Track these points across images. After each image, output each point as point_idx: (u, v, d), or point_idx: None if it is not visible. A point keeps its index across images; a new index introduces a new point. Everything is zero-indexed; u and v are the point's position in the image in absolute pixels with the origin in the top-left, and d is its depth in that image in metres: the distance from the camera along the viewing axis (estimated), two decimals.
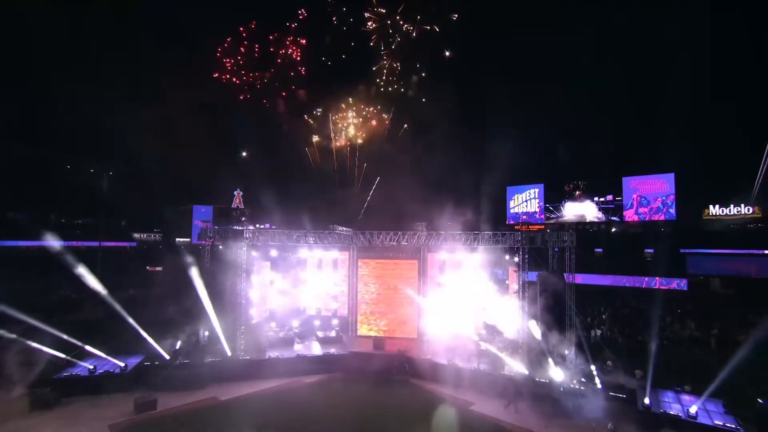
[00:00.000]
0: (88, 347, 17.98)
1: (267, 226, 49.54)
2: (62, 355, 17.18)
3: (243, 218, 55.64)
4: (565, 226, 41.34)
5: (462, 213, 35.77)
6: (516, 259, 20.25)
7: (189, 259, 20.77)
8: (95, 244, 43.69)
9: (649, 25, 39.90)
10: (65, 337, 17.64)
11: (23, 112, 43.81)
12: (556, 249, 20.34)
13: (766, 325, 19.51)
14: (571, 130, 43.17)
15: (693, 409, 14.10)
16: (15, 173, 46.00)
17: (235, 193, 57.14)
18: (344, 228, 29.19)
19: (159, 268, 41.34)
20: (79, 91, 41.73)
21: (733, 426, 13.36)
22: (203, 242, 55.65)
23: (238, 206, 57.18)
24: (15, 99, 41.74)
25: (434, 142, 42.95)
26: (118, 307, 18.83)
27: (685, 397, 15.38)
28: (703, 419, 13.80)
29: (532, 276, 20.57)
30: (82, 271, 19.37)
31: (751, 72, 36.27)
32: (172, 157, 42.77)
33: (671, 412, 14.26)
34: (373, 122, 45.17)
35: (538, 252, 20.82)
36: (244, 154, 54.62)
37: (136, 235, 58.57)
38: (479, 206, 38.15)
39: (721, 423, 13.58)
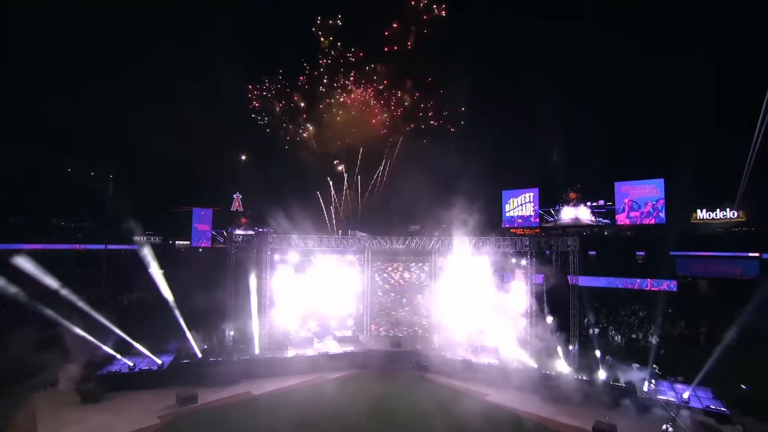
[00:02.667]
0: (138, 345, 19.21)
1: (267, 230, 50.21)
2: (108, 350, 18.46)
3: (243, 221, 56.06)
4: (560, 230, 43.00)
5: (460, 216, 37.04)
6: (523, 262, 21.83)
7: (207, 261, 21.92)
8: (98, 247, 44.30)
9: (642, 36, 41.78)
10: (116, 330, 18.86)
11: (22, 113, 44.06)
12: (560, 251, 22.01)
13: (748, 322, 21.66)
14: (565, 136, 44.97)
15: (686, 395, 15.94)
16: (15, 176, 46.21)
17: (234, 196, 57.44)
18: (360, 233, 30.31)
19: (161, 271, 42.08)
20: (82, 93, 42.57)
21: (721, 408, 15.18)
22: (202, 245, 55.45)
23: (237, 209, 57.56)
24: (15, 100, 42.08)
25: (432, 145, 44.45)
26: (176, 310, 20.07)
27: (679, 386, 17.17)
28: (694, 404, 15.64)
29: (537, 278, 22.29)
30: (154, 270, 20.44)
31: (739, 80, 37.83)
32: (172, 158, 43.34)
33: (667, 398, 16.00)
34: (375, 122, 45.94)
35: (542, 255, 22.53)
36: (243, 157, 55.21)
37: (137, 238, 58.82)
38: (476, 210, 39.41)
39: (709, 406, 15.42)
